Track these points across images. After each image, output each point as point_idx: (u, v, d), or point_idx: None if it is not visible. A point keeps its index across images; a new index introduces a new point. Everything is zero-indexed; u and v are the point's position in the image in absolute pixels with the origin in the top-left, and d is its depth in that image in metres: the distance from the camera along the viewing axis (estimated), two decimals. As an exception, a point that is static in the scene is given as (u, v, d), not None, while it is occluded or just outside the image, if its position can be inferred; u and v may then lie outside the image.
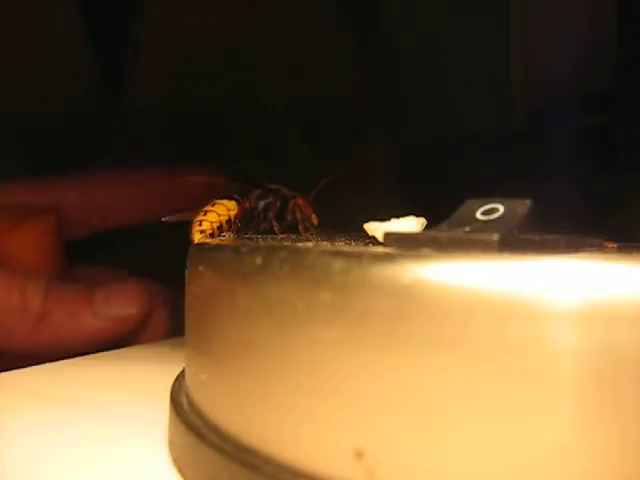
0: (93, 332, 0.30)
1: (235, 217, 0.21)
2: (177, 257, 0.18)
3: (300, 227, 0.21)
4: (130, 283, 0.31)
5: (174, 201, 0.23)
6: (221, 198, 0.21)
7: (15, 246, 0.31)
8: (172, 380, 0.18)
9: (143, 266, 0.33)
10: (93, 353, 0.28)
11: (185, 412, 0.16)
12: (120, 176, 0.36)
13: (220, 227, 0.20)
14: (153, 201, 0.35)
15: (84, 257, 0.35)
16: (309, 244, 0.14)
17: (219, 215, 0.20)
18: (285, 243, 0.15)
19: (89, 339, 0.29)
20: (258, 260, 0.13)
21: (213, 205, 0.21)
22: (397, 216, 0.16)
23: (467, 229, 0.13)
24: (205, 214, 0.20)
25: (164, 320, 0.32)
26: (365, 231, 0.16)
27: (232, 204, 0.21)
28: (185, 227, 0.21)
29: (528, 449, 0.10)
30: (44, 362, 0.25)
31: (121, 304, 0.30)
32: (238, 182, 0.22)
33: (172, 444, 0.16)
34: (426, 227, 0.15)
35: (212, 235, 0.20)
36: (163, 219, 0.23)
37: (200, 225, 0.20)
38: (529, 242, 0.12)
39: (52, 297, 0.29)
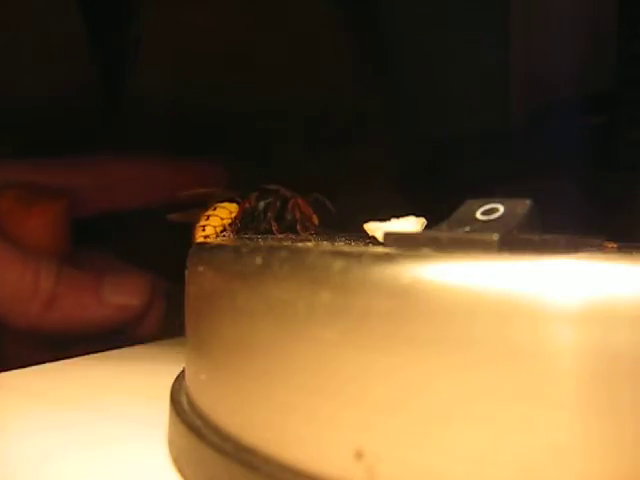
0: (97, 318, 0.31)
1: (235, 217, 0.21)
2: (177, 254, 0.18)
3: (299, 227, 0.21)
4: (136, 275, 0.32)
5: (176, 189, 0.24)
6: (222, 201, 0.21)
7: (29, 227, 0.31)
8: (172, 380, 0.18)
9: (141, 256, 0.33)
10: (93, 338, 0.29)
11: (185, 412, 0.16)
12: (130, 160, 0.36)
13: (223, 231, 0.20)
14: (159, 187, 0.36)
15: (82, 239, 0.35)
16: (309, 244, 0.14)
17: (222, 219, 0.20)
18: (285, 243, 0.15)
19: (93, 324, 0.31)
20: (258, 260, 0.13)
21: (215, 209, 0.21)
22: (397, 216, 0.16)
23: (467, 229, 0.13)
24: (208, 218, 0.20)
25: (161, 314, 0.33)
26: (365, 231, 0.16)
27: (233, 206, 0.21)
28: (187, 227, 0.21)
29: (528, 449, 0.10)
30: (48, 342, 0.25)
31: (126, 294, 0.31)
32: (237, 189, 0.22)
33: (172, 444, 0.16)
34: (426, 227, 0.15)
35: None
36: (169, 216, 0.23)
37: (204, 230, 0.20)
38: (529, 242, 0.12)
39: (62, 281, 0.30)
